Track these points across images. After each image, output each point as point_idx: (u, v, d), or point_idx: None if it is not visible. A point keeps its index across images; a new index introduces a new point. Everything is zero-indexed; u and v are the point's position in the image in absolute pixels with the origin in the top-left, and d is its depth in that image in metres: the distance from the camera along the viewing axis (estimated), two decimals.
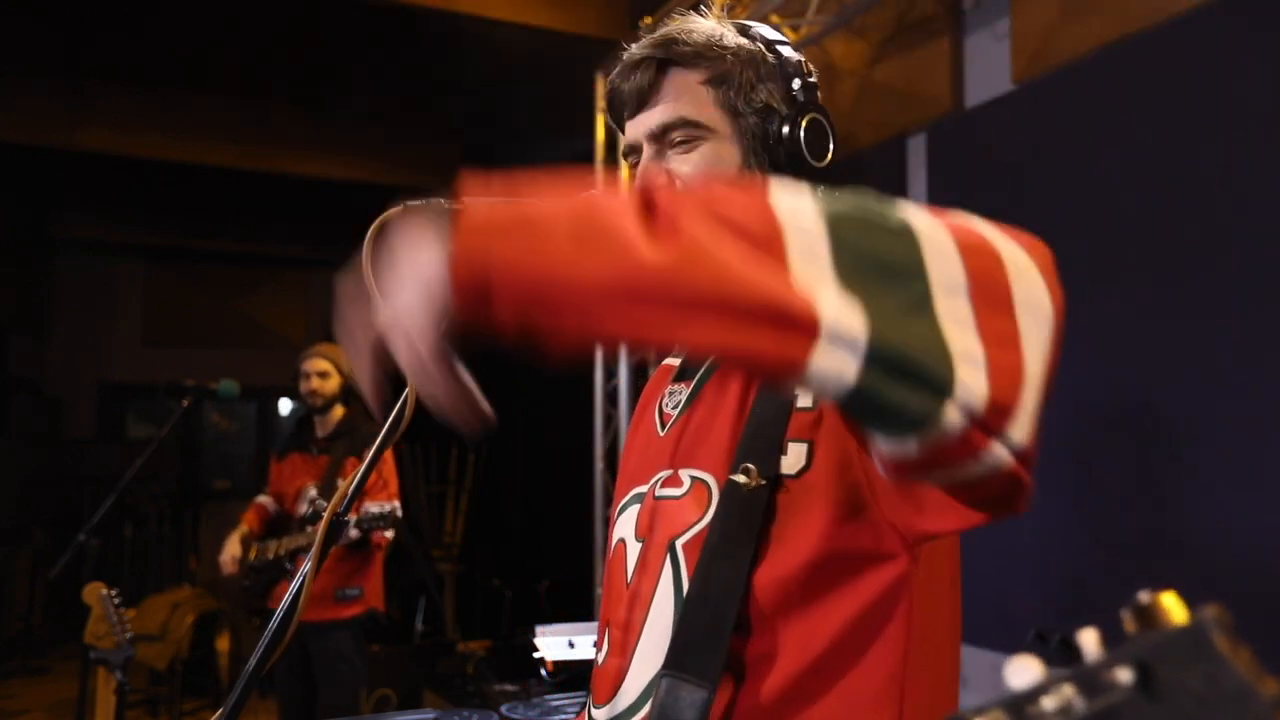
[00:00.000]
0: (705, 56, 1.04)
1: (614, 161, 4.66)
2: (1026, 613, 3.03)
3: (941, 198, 3.64)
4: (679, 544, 0.98)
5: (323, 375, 3.76)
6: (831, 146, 1.07)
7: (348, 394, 3.84)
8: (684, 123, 1.03)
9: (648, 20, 4.35)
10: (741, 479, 0.90)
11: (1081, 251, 3.06)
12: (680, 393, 1.07)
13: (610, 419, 4.80)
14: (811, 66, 1.13)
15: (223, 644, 5.73)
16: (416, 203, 1.06)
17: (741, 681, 0.92)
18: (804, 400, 0.91)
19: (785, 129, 1.04)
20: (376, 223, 1.03)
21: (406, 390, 1.01)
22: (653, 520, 1.01)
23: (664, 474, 1.02)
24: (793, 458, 0.91)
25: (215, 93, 6.27)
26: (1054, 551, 3.08)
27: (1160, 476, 2.82)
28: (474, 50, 6.13)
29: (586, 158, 4.90)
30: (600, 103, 4.76)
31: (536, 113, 6.46)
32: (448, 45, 6.04)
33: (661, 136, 1.03)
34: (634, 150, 1.07)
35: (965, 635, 1.02)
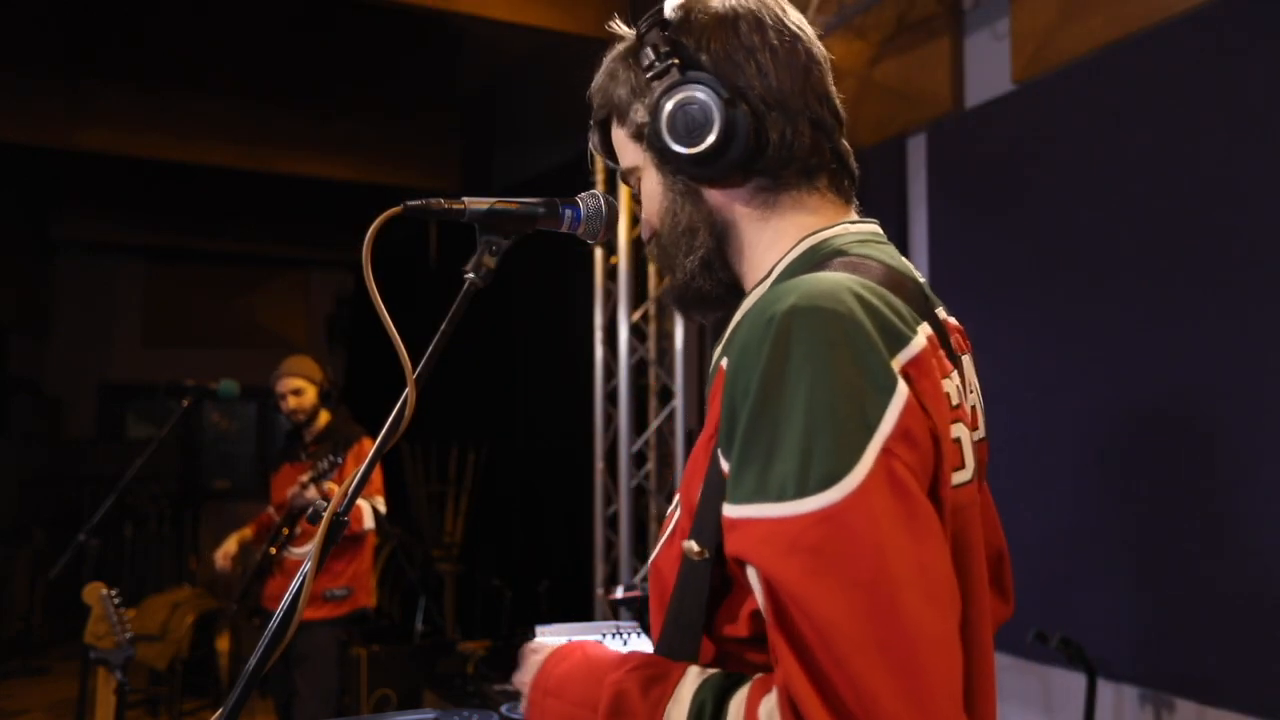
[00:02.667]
0: (606, 104, 1.05)
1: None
2: (1026, 613, 3.03)
3: (941, 198, 3.64)
4: (650, 564, 1.00)
5: (297, 392, 3.83)
6: (711, 120, 0.92)
7: (328, 399, 3.87)
8: (624, 174, 1.07)
9: None
10: (691, 549, 0.87)
11: (1081, 251, 3.06)
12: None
13: (610, 419, 4.80)
14: (721, 10, 0.97)
15: (223, 644, 5.73)
16: (416, 203, 1.06)
17: None
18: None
19: (652, 139, 0.97)
20: (376, 223, 1.03)
21: (407, 390, 1.01)
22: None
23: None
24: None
25: (215, 93, 6.27)
26: (1054, 551, 3.07)
27: (1159, 477, 2.82)
28: (473, 50, 6.14)
29: (586, 158, 4.90)
30: None
31: (536, 113, 6.46)
32: (447, 45, 6.05)
33: (625, 182, 1.08)
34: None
35: None
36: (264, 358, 4.21)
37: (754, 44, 0.95)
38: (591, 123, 1.09)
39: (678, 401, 4.61)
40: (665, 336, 4.81)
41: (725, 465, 0.82)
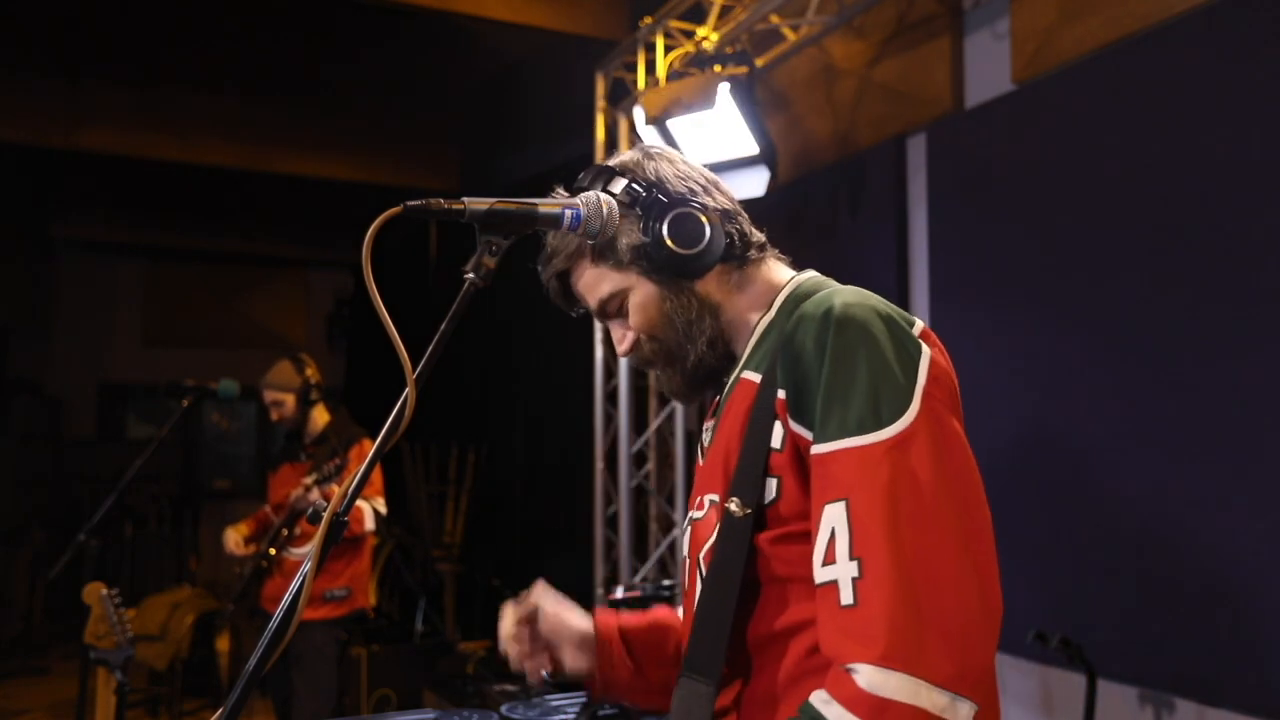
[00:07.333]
0: (574, 254, 1.24)
1: None
2: (1026, 613, 3.03)
3: (941, 198, 3.64)
4: (701, 557, 1.17)
5: (276, 404, 3.84)
6: (703, 227, 1.18)
7: (308, 399, 3.84)
8: (603, 302, 1.25)
9: (647, 20, 4.35)
10: (734, 507, 1.10)
11: (1081, 251, 3.06)
12: (710, 429, 1.26)
13: (610, 419, 4.80)
14: (649, 162, 1.23)
15: (223, 644, 5.73)
16: (416, 203, 1.06)
17: (744, 677, 1.12)
18: (775, 441, 1.09)
19: (654, 251, 1.18)
20: (376, 223, 1.03)
21: (406, 390, 1.01)
22: (691, 539, 1.22)
23: (698, 499, 1.21)
24: (769, 489, 1.09)
25: (215, 93, 6.27)
26: (1054, 551, 3.07)
27: (1158, 476, 2.82)
28: (474, 50, 6.14)
29: (586, 158, 4.90)
30: (600, 103, 4.77)
31: (536, 113, 6.46)
32: (447, 45, 6.05)
33: (603, 312, 1.27)
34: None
35: None
36: (264, 358, 4.21)
37: (689, 177, 1.24)
38: (550, 280, 1.28)
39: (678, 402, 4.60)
40: None
41: (799, 430, 1.07)
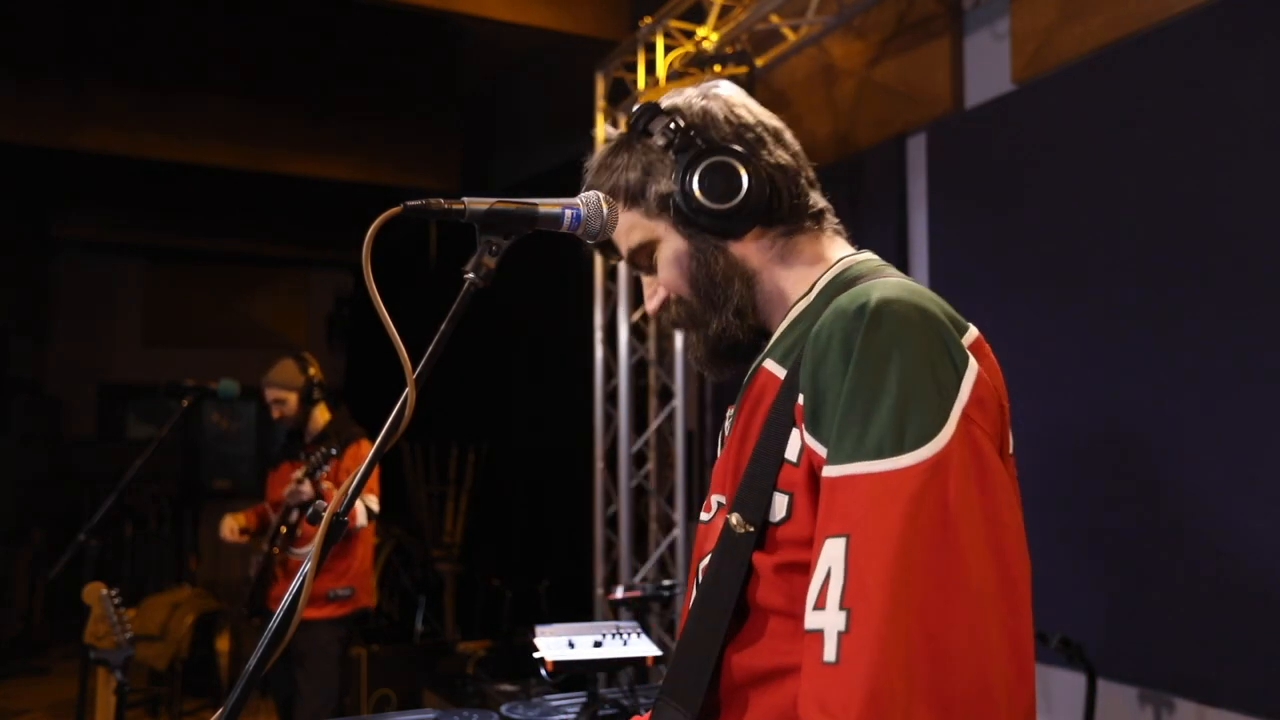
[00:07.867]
0: (609, 189, 1.13)
1: None
2: None
3: (941, 198, 3.64)
4: (701, 567, 1.06)
5: (279, 403, 3.83)
6: (740, 180, 1.06)
7: (310, 398, 3.83)
8: (633, 252, 1.15)
9: (647, 20, 4.35)
10: (735, 522, 0.98)
11: (1080, 252, 3.06)
12: (731, 418, 1.13)
13: (610, 419, 4.80)
14: (701, 101, 1.11)
15: (223, 644, 5.73)
16: (416, 203, 1.06)
17: (728, 713, 1.00)
18: (791, 453, 0.96)
19: (681, 202, 1.07)
20: (376, 223, 1.03)
21: (406, 390, 1.01)
22: (696, 542, 1.11)
23: (709, 499, 1.09)
24: (777, 506, 0.97)
25: (215, 93, 6.26)
26: (1053, 551, 3.08)
27: (1159, 476, 2.83)
28: (473, 50, 6.14)
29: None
30: (600, 103, 4.77)
31: (536, 113, 6.46)
32: (447, 45, 6.05)
33: (633, 263, 1.16)
34: None
35: None
36: (264, 358, 4.20)
37: (744, 124, 1.11)
38: None
39: (678, 401, 4.61)
40: (665, 336, 4.81)
41: (814, 445, 0.92)
